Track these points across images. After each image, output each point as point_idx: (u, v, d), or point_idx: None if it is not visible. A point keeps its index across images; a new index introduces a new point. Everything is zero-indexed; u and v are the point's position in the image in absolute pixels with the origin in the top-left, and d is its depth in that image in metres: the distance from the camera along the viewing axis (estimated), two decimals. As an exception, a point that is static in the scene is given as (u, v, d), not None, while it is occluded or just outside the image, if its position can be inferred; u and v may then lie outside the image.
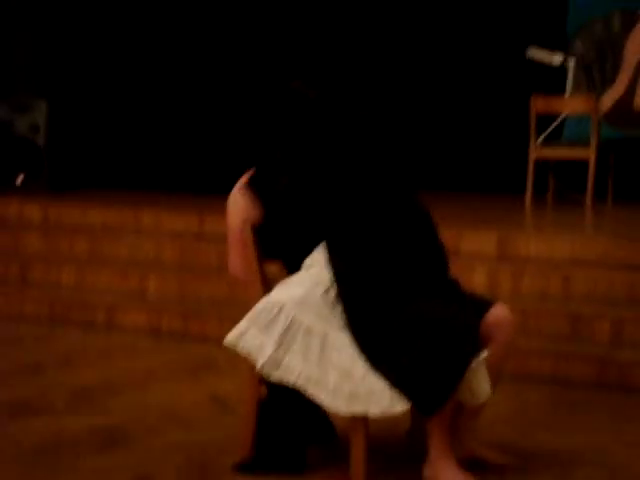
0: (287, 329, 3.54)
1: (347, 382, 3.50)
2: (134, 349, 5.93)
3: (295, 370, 3.52)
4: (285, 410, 3.69)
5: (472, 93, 9.40)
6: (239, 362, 3.77)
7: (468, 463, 3.69)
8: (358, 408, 3.48)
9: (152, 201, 7.97)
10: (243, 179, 3.87)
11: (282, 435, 3.69)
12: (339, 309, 3.59)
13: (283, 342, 3.54)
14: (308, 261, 3.70)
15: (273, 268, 4.21)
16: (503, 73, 9.20)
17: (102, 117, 9.42)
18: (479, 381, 3.56)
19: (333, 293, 3.60)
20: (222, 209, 6.88)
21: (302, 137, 3.73)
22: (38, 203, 7.85)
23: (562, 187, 8.15)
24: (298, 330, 3.55)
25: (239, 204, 3.81)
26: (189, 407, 4.63)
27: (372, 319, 3.52)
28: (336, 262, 3.61)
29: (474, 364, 3.50)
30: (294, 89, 3.78)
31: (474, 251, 6.16)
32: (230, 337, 3.62)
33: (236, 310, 5.94)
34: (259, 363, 3.55)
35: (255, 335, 3.57)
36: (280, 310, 3.56)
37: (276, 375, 3.54)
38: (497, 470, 3.75)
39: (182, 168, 9.45)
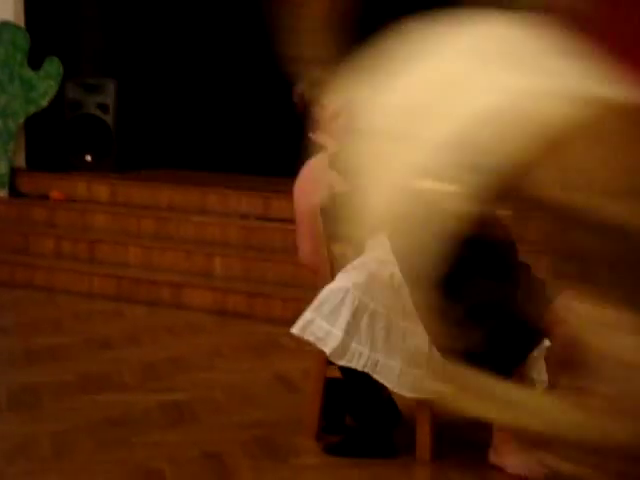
0: (353, 315, 3.58)
1: (412, 368, 3.53)
2: (200, 327, 6.01)
3: (362, 356, 3.56)
4: (361, 391, 3.70)
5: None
6: (304, 342, 3.81)
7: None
8: (421, 393, 3.52)
9: (218, 182, 8.04)
10: (312, 163, 3.89)
11: (370, 417, 3.71)
12: (404, 292, 3.60)
13: (350, 329, 3.58)
14: (371, 243, 3.72)
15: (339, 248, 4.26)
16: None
17: (170, 97, 9.49)
18: (538, 372, 3.58)
19: (397, 276, 3.61)
20: (287, 190, 6.93)
21: None
22: (106, 182, 7.97)
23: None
24: (363, 315, 3.58)
25: (308, 189, 3.84)
26: (255, 386, 4.70)
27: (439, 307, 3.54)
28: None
29: (535, 353, 3.51)
30: None
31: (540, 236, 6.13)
32: (296, 328, 3.67)
33: (300, 291, 6.04)
34: (327, 351, 3.60)
35: (320, 324, 3.61)
36: (345, 296, 3.59)
37: (344, 361, 3.58)
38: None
39: (248, 149, 9.50)
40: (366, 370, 3.56)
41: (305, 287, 6.05)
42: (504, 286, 3.55)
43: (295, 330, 3.68)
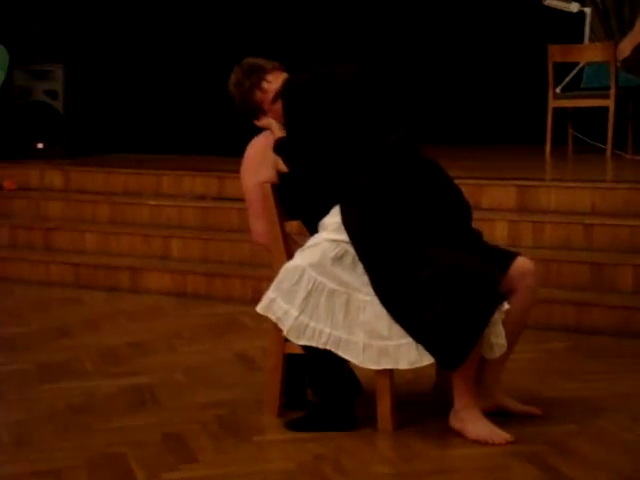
0: (309, 293, 3.60)
1: (375, 340, 3.56)
2: (159, 311, 6.00)
3: (323, 334, 3.58)
4: (322, 366, 3.70)
5: (488, 42, 9.33)
6: (264, 321, 3.82)
7: (492, 413, 3.73)
8: (388, 364, 3.55)
9: (172, 164, 8.01)
10: (256, 142, 3.88)
11: (331, 391, 3.71)
12: (360, 268, 3.62)
13: (306, 307, 3.60)
14: (325, 221, 3.73)
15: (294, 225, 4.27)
16: (519, 21, 9.13)
17: (120, 81, 9.42)
18: (496, 335, 3.59)
19: (352, 253, 3.62)
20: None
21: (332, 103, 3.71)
22: (59, 169, 7.91)
23: (581, 136, 8.11)
24: (321, 293, 3.60)
25: (255, 167, 3.83)
26: (216, 366, 4.70)
27: (393, 275, 3.55)
28: (350, 220, 3.63)
29: (496, 316, 3.53)
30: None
31: (494, 204, 6.17)
32: (260, 307, 3.70)
33: (259, 270, 6.06)
34: (284, 330, 3.62)
35: (280, 304, 3.63)
36: (301, 276, 3.61)
37: (304, 340, 3.60)
38: (520, 419, 3.80)
39: (201, 130, 9.45)
40: (328, 347, 3.59)
41: (263, 266, 6.07)
42: (461, 253, 3.57)
43: (259, 309, 3.70)
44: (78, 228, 7.14)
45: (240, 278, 6.22)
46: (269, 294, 3.69)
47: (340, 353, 3.59)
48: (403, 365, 3.55)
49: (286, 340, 3.75)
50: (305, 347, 3.66)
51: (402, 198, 3.61)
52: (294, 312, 3.62)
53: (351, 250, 3.62)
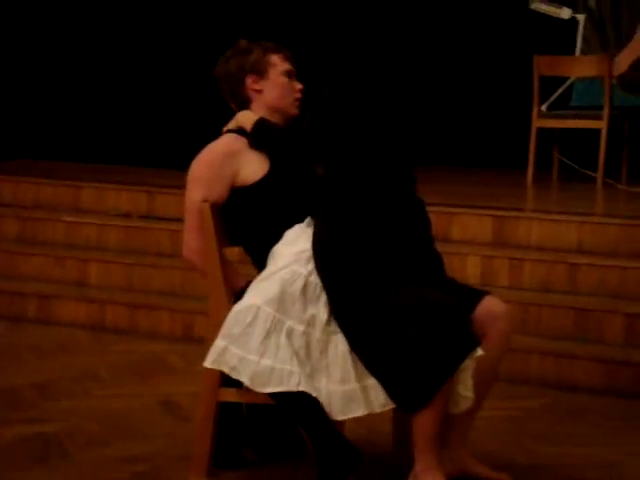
0: (268, 333, 3.58)
1: (339, 384, 3.57)
2: (73, 346, 5.96)
3: (293, 375, 3.56)
4: (303, 410, 3.68)
5: (465, 52, 9.40)
6: (195, 362, 3.80)
7: (458, 479, 3.75)
8: (357, 410, 3.57)
9: (94, 175, 7.97)
10: (222, 147, 3.88)
11: (321, 435, 3.68)
12: (322, 300, 3.63)
13: (267, 349, 3.58)
14: (279, 250, 3.73)
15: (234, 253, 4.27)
16: (502, 28, 9.21)
17: (38, 81, 9.40)
18: (464, 386, 3.62)
19: (314, 282, 3.63)
20: (174, 185, 6.93)
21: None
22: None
23: (569, 162, 8.21)
24: (281, 332, 3.59)
25: (207, 177, 3.83)
26: (136, 414, 4.67)
27: (359, 309, 3.57)
28: (322, 249, 3.64)
29: (466, 362, 3.56)
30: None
31: (467, 236, 6.22)
32: (209, 360, 3.66)
33: (191, 302, 6.05)
34: (246, 381, 3.60)
35: (234, 350, 3.61)
36: (255, 315, 3.60)
37: (271, 386, 3.58)
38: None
39: (128, 138, 9.43)
40: (302, 389, 3.56)
41: (197, 297, 6.07)
42: (431, 289, 3.60)
43: (208, 363, 3.67)
44: (-21, 246, 7.09)
45: (168, 311, 6.20)
46: (218, 343, 3.66)
47: (314, 395, 3.58)
48: (374, 409, 3.57)
49: (221, 385, 3.73)
50: (273, 396, 3.63)
51: (385, 231, 3.65)
52: (253, 357, 3.59)
53: (313, 279, 3.63)
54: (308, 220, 3.79)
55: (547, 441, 4.44)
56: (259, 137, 3.84)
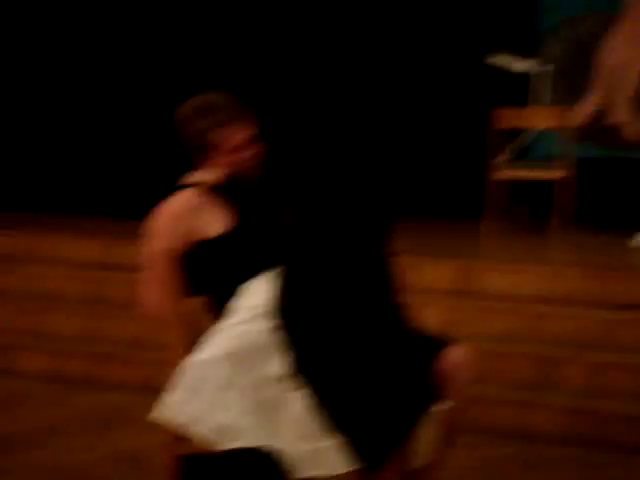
0: (221, 389, 3.54)
1: (301, 443, 3.51)
2: (28, 398, 5.88)
3: (248, 431, 3.52)
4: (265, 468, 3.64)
5: (423, 103, 9.46)
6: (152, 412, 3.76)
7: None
8: (306, 471, 3.51)
9: (50, 225, 7.93)
10: (180, 199, 3.86)
11: None
12: (277, 358, 3.59)
13: (219, 404, 3.54)
14: (238, 304, 3.71)
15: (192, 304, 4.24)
16: (459, 81, 9.30)
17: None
18: (424, 439, 3.60)
19: (269, 343, 3.60)
20: (131, 235, 6.88)
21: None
22: None
23: (525, 211, 8.27)
24: (233, 389, 3.55)
25: (169, 228, 3.81)
26: (97, 468, 4.61)
27: (319, 366, 3.54)
28: (289, 300, 3.62)
29: (424, 418, 3.54)
30: None
31: (427, 285, 6.23)
32: (156, 414, 3.61)
33: (152, 353, 5.98)
34: (198, 439, 3.55)
35: (185, 406, 3.56)
36: (208, 369, 3.56)
37: (228, 444, 3.53)
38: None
39: (83, 188, 9.41)
40: (261, 443, 3.51)
41: (158, 347, 6.00)
42: (392, 343, 3.59)
43: (158, 415, 3.62)
44: None
45: (128, 361, 6.15)
46: (170, 398, 3.62)
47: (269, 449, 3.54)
48: (329, 471, 3.52)
49: (180, 438, 3.69)
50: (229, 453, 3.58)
51: (352, 282, 3.65)
52: (205, 414, 3.54)
53: (267, 337, 3.59)
54: (266, 275, 3.76)
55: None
56: (229, 190, 3.82)
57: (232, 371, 3.56)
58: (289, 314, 3.62)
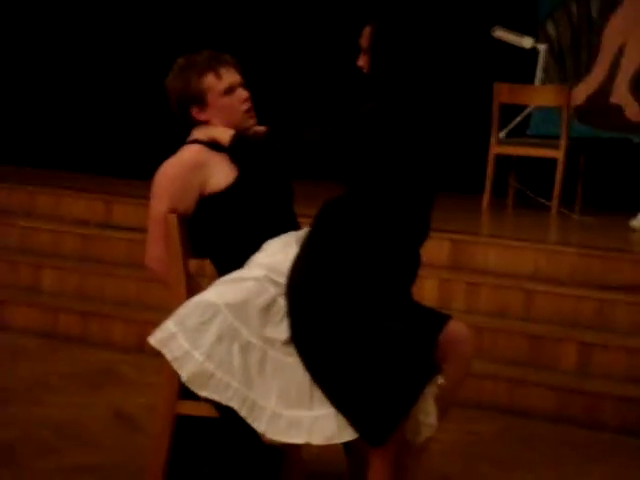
0: (220, 338, 3.53)
1: (289, 409, 3.50)
2: (24, 353, 5.89)
3: (229, 388, 3.51)
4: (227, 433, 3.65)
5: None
6: (149, 373, 3.75)
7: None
8: (298, 438, 3.50)
9: (50, 181, 7.90)
10: (188, 159, 3.83)
11: (232, 468, 3.65)
12: (285, 324, 3.58)
13: (214, 353, 3.52)
14: (257, 258, 3.68)
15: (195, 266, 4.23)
16: (463, 57, 9.26)
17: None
18: (426, 413, 3.59)
19: (280, 304, 3.59)
20: (133, 194, 6.87)
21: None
22: None
23: (525, 189, 8.26)
24: (233, 341, 3.53)
25: (176, 188, 3.78)
26: (89, 423, 4.62)
27: (320, 336, 3.53)
28: (299, 270, 3.61)
29: (427, 390, 3.54)
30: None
31: (424, 259, 6.20)
32: (155, 338, 3.57)
33: (146, 313, 5.99)
34: (184, 376, 3.54)
35: (181, 342, 3.55)
36: (214, 315, 3.54)
37: (207, 391, 3.52)
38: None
39: (87, 145, 9.37)
40: (232, 405, 3.51)
41: (152, 308, 6.02)
42: (396, 313, 3.58)
43: (153, 340, 3.57)
44: None
45: (122, 320, 6.15)
46: (169, 326, 3.58)
47: (242, 414, 3.52)
48: (317, 440, 3.50)
49: (181, 397, 3.68)
50: (218, 407, 3.58)
51: (362, 252, 3.64)
52: (198, 356, 3.53)
53: (280, 301, 3.58)
54: (288, 238, 3.75)
55: (498, 467, 4.44)
56: (238, 153, 3.80)
57: (235, 323, 3.54)
58: (301, 283, 3.60)
